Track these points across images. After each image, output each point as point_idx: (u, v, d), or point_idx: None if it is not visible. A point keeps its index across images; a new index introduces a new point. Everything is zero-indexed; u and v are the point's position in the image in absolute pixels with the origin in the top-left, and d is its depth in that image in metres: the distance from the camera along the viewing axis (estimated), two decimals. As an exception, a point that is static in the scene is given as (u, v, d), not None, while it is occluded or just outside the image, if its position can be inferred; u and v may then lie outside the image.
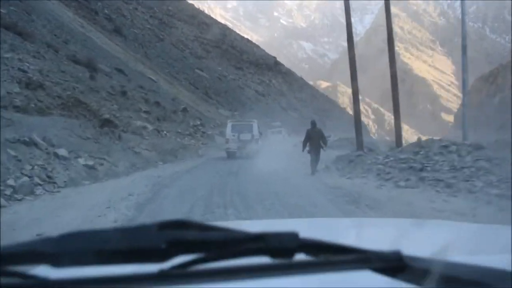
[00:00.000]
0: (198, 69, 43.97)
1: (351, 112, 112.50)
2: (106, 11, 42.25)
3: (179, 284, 0.62)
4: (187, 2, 75.27)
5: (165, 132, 20.92)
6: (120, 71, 23.82)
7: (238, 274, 0.62)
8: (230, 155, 18.64)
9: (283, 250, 0.64)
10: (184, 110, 25.83)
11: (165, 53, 41.86)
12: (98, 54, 24.04)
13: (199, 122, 25.77)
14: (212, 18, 74.63)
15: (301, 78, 71.21)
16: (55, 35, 22.94)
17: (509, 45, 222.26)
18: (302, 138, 14.99)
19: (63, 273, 0.60)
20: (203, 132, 25.39)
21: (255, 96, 48.00)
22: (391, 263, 0.62)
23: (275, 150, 19.86)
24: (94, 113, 15.39)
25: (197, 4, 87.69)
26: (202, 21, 65.70)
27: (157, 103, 23.86)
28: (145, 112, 21.44)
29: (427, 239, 1.30)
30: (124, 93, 21.90)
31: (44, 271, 0.62)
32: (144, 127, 19.05)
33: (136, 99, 22.47)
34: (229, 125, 19.70)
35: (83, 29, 27.59)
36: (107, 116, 15.98)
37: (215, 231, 0.67)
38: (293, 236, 0.64)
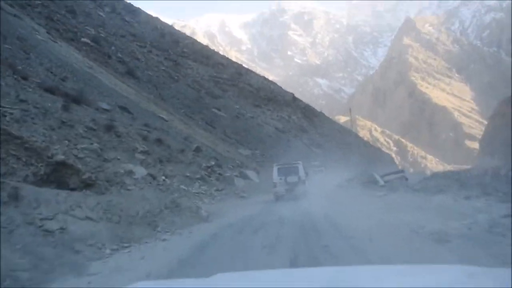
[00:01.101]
0: (215, 109, 42.60)
1: (372, 144, 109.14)
2: (119, 55, 41.71)
3: None
4: (202, 44, 75.55)
5: (164, 177, 17.39)
6: (124, 109, 21.78)
7: None
8: (279, 199, 19.14)
9: None
10: (197, 149, 23.04)
11: (180, 94, 40.75)
12: (101, 93, 22.47)
13: (213, 163, 22.86)
14: (227, 58, 74.42)
15: (321, 113, 69.54)
16: (51, 72, 21.20)
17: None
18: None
19: None
20: (220, 174, 22.35)
21: (275, 133, 46.19)
22: None
23: (324, 190, 21.04)
24: (39, 153, 10.83)
25: (211, 47, 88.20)
26: (217, 61, 65.30)
27: (159, 141, 20.30)
28: (142, 152, 18.01)
29: None
30: (109, 128, 17.47)
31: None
32: (130, 173, 15.10)
33: (131, 136, 18.68)
34: (275, 168, 20.08)
35: (91, 70, 26.48)
36: (61, 157, 11.12)
37: None
38: None
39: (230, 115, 43.24)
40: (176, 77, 46.46)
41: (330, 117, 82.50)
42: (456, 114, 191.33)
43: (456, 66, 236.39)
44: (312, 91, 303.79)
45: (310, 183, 21.25)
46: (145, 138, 19.79)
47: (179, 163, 20.11)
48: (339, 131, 64.16)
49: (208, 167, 21.99)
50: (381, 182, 21.19)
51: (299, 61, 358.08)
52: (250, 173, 25.59)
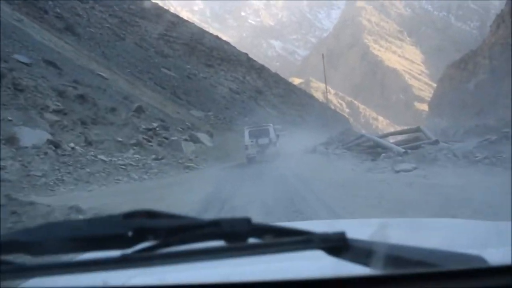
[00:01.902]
0: (165, 68, 40.11)
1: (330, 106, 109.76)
2: (57, 10, 37.97)
3: (140, 267, 0.68)
4: (151, 2, 71.09)
5: (73, 145, 13.52)
6: (50, 63, 18.78)
7: (194, 256, 0.67)
8: (251, 160, 19.40)
9: (237, 234, 0.69)
10: (139, 109, 19.98)
11: (126, 53, 37.89)
12: (26, 47, 19.58)
13: (156, 125, 19.50)
14: (178, 16, 70.51)
15: (276, 74, 67.98)
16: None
17: (474, 32, 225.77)
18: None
19: (40, 260, 0.66)
20: (165, 138, 19.42)
21: (229, 94, 44.47)
22: (334, 244, 0.66)
23: (295, 152, 20.59)
24: None
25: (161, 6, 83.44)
26: (168, 19, 61.66)
27: (82, 98, 16.53)
28: (56, 111, 14.69)
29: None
30: (5, 81, 13.78)
31: (23, 259, 0.67)
32: (12, 139, 11.44)
33: (41, 92, 15.31)
34: (246, 132, 20.36)
35: (19, 23, 23.42)
36: None
37: (176, 219, 0.73)
38: (246, 221, 0.70)
39: (181, 75, 40.95)
40: (122, 35, 43.25)
41: (285, 79, 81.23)
42: (406, 76, 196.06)
43: (408, 29, 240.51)
44: (266, 53, 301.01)
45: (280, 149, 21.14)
46: (61, 94, 16.18)
47: (109, 125, 16.86)
48: (294, 92, 63.18)
49: (149, 129, 18.66)
50: (398, 149, 14.01)
51: (253, 22, 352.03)
52: (202, 136, 23.18)
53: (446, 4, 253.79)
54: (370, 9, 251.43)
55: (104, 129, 16.16)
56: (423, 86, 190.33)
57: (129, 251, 0.67)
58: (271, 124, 21.49)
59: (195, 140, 21.87)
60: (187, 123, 24.39)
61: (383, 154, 13.79)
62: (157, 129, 19.19)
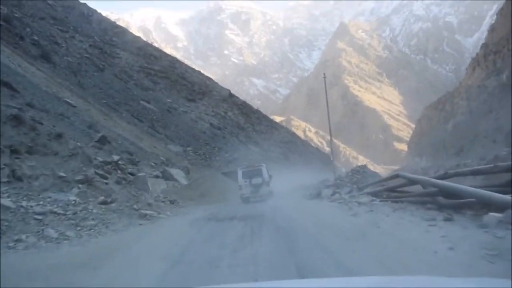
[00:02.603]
0: (144, 101, 38.79)
1: (312, 144, 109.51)
2: (35, 37, 36.72)
3: None
4: (133, 34, 70.67)
5: None
6: (6, 84, 16.38)
7: None
8: (245, 201, 19.45)
9: None
10: (102, 140, 17.47)
11: (104, 84, 36.56)
12: None
13: (116, 158, 16.30)
14: (160, 50, 70.01)
15: (258, 110, 67.30)
16: None
17: (450, 74, 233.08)
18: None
19: None
20: (130, 174, 16.76)
21: (210, 129, 43.17)
22: None
23: (291, 195, 19.92)
24: None
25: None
26: (150, 53, 61.00)
27: (18, 120, 12.98)
28: None
29: None
30: None
31: None
32: None
33: None
34: (239, 172, 20.51)
35: (-15, 46, 22.01)
36: None
37: None
38: None
39: (161, 109, 39.64)
40: (101, 66, 42.04)
41: (267, 116, 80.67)
42: (385, 116, 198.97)
43: (386, 71, 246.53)
44: (248, 91, 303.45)
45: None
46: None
47: (51, 156, 13.39)
48: (277, 129, 62.39)
49: (108, 163, 15.47)
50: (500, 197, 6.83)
51: (235, 60, 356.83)
52: (177, 173, 21.13)
53: (423, 47, 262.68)
54: (350, 51, 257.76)
55: (43, 159, 12.85)
56: (402, 127, 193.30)
57: None
58: (264, 164, 21.60)
59: (168, 177, 19.65)
60: (161, 158, 22.55)
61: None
62: (120, 162, 16.23)
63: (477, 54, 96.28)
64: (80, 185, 12.81)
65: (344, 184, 18.01)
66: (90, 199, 12.22)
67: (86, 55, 42.31)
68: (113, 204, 12.65)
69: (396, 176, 13.35)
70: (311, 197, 17.47)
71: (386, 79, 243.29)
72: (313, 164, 42.82)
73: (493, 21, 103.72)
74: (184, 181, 20.72)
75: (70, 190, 12.21)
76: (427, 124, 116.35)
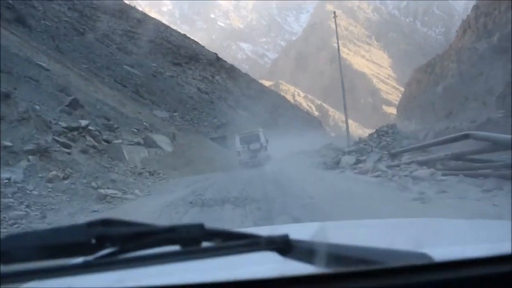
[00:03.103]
0: (128, 66, 37.31)
1: (302, 108, 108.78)
2: (9, 1, 34.63)
3: (101, 272, 0.73)
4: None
5: None
6: None
7: (151, 260, 0.73)
8: (243, 165, 19.29)
9: (191, 239, 0.75)
10: (74, 104, 15.64)
11: (85, 48, 34.94)
12: None
13: (84, 123, 14.05)
14: (144, 14, 67.39)
15: (247, 74, 65.81)
16: None
17: (440, 37, 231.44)
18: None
19: (10, 268, 0.70)
20: (105, 141, 14.84)
21: (197, 94, 41.98)
22: (278, 245, 0.72)
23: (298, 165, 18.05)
24: None
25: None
26: (133, 16, 58.57)
27: None
28: None
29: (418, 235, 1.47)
30: None
31: None
32: None
33: None
34: (237, 138, 20.62)
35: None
36: None
37: (135, 226, 0.78)
38: (199, 227, 0.76)
39: (146, 74, 38.23)
40: (81, 30, 40.14)
41: (256, 80, 79.23)
42: (374, 80, 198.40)
43: (375, 34, 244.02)
44: (236, 56, 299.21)
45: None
46: None
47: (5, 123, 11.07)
48: (266, 93, 61.25)
49: (74, 128, 13.32)
50: None
51: (222, 24, 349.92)
52: (160, 139, 19.72)
53: (413, 9, 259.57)
54: (339, 13, 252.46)
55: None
56: (391, 90, 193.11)
57: (91, 257, 0.73)
58: (261, 129, 21.76)
59: (151, 144, 18.08)
60: (145, 124, 21.33)
61: None
62: (92, 128, 14.30)
63: (467, 16, 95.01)
64: (31, 157, 10.34)
65: (369, 149, 14.04)
66: (39, 175, 9.80)
67: (65, 19, 40.32)
68: (65, 181, 10.07)
69: (465, 137, 8.96)
70: (326, 166, 14.32)
71: (375, 42, 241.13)
72: (304, 128, 42.26)
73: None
74: (168, 148, 19.34)
75: (17, 163, 9.86)
76: (417, 87, 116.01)
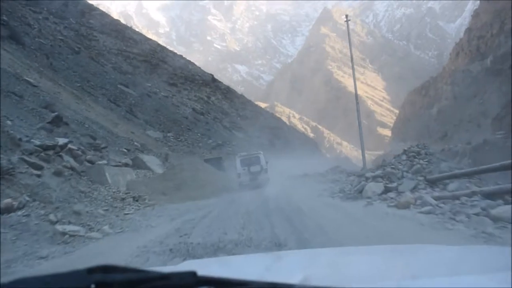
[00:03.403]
0: (122, 85, 36.91)
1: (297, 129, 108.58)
2: (4, 18, 34.39)
3: None
4: (112, 17, 67.90)
5: None
6: None
7: None
8: (243, 188, 19.27)
9: (184, 287, 0.77)
10: (56, 121, 14.74)
11: (79, 66, 34.56)
12: None
13: (62, 142, 12.75)
14: (141, 34, 67.52)
15: (242, 95, 65.64)
16: None
17: (433, 60, 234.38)
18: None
19: None
20: (88, 162, 13.64)
21: (192, 114, 41.52)
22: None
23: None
24: None
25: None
26: (130, 36, 58.60)
27: None
28: None
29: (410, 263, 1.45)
30: None
31: None
32: None
33: None
34: (237, 160, 20.87)
35: None
36: None
37: (133, 273, 0.80)
38: (192, 274, 0.78)
39: (140, 93, 37.82)
40: (76, 49, 39.87)
41: (252, 101, 79.05)
42: (369, 102, 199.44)
43: (370, 57, 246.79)
44: (231, 77, 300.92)
45: None
46: None
47: None
48: (262, 115, 60.97)
49: (50, 147, 11.92)
50: None
51: (218, 46, 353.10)
52: (151, 160, 18.52)
53: (406, 33, 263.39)
54: (333, 36, 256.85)
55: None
56: (385, 112, 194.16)
57: None
58: (261, 152, 22.08)
59: (140, 165, 16.94)
60: (136, 144, 20.62)
61: None
62: (73, 147, 13.09)
63: (460, 39, 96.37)
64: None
65: (399, 174, 11.41)
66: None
67: (60, 37, 40.08)
68: (18, 213, 8.01)
69: None
70: (346, 196, 11.73)
71: (370, 65, 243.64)
72: (301, 150, 41.83)
73: (476, 7, 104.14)
74: (159, 170, 18.15)
75: None
76: (411, 110, 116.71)
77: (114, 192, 12.79)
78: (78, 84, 29.93)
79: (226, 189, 18.15)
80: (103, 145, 16.16)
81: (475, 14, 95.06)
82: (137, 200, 12.81)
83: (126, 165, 15.73)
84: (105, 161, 14.43)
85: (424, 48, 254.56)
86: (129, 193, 13.30)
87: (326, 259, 1.68)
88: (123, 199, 12.45)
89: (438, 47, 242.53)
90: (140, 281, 0.75)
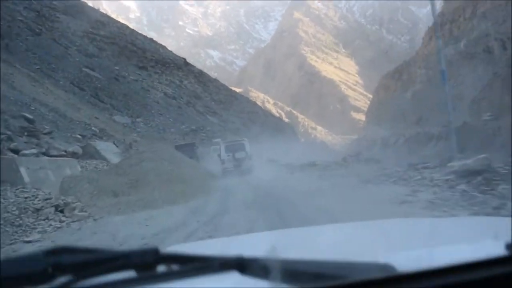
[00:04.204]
0: (88, 68, 34.66)
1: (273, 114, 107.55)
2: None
3: None
4: (79, 0, 64.40)
5: None
6: None
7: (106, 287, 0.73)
8: (227, 174, 19.07)
9: (146, 265, 0.75)
10: None
11: (40, 49, 32.18)
12: None
13: None
14: (109, 16, 64.36)
15: (216, 80, 63.69)
16: None
17: (405, 44, 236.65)
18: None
19: None
20: (12, 151, 11.02)
21: (164, 99, 39.61)
22: (232, 266, 0.72)
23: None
24: None
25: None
26: (97, 19, 55.62)
27: None
28: None
29: (410, 236, 1.42)
30: None
31: None
32: None
33: None
34: (222, 146, 20.84)
35: None
36: None
37: (92, 253, 0.78)
38: (154, 251, 0.75)
39: (107, 77, 35.69)
40: (37, 30, 37.26)
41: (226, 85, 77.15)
42: (342, 87, 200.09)
43: (343, 42, 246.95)
44: (204, 63, 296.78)
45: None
46: None
47: None
48: (237, 99, 59.24)
49: None
50: None
51: (190, 31, 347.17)
52: (105, 148, 15.38)
53: (378, 18, 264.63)
54: (306, 21, 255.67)
55: None
56: (359, 97, 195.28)
57: (47, 287, 0.71)
58: (246, 139, 22.03)
59: (92, 154, 13.73)
60: (94, 129, 18.60)
61: None
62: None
63: (434, 23, 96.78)
64: None
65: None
66: None
67: (20, 18, 37.34)
68: None
69: None
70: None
71: (343, 50, 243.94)
72: (279, 135, 40.41)
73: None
74: (114, 158, 14.64)
75: None
76: (385, 94, 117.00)
77: (27, 197, 8.94)
78: (37, 67, 27.70)
79: (201, 187, 13.37)
80: (45, 130, 13.65)
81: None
82: (61, 211, 8.77)
83: (73, 154, 12.96)
84: (33, 150, 11.51)
85: (396, 33, 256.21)
86: (50, 199, 9.17)
87: (301, 235, 1.63)
88: (37, 209, 8.41)
89: (410, 32, 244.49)
90: (99, 261, 0.73)
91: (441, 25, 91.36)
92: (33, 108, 15.69)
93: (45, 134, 13.36)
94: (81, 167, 12.62)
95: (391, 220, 2.01)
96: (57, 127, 15.02)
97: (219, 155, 20.80)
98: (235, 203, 10.36)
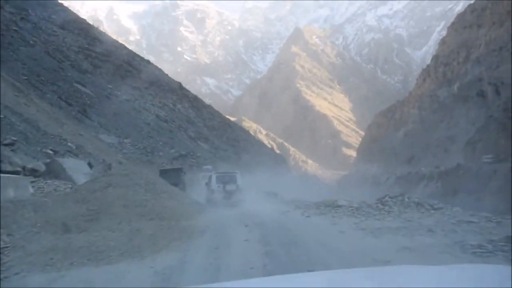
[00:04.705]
0: (79, 84, 33.76)
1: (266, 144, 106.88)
2: None
3: None
4: (78, 16, 64.15)
5: None
6: None
7: None
8: (215, 205, 17.64)
9: None
10: None
11: (31, 60, 31.31)
12: None
13: None
14: (106, 35, 64.03)
15: (210, 106, 63.07)
16: None
17: (398, 85, 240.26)
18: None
19: None
20: None
21: (155, 121, 38.65)
22: None
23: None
24: None
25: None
26: (94, 36, 55.17)
27: None
28: None
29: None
30: None
31: None
32: None
33: None
34: (213, 176, 20.08)
35: None
36: None
37: None
38: None
39: (98, 94, 34.79)
40: (32, 41, 36.53)
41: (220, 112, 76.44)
42: (335, 122, 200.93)
43: (338, 78, 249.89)
44: (200, 89, 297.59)
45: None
46: None
47: None
48: (230, 126, 58.44)
49: None
50: None
51: (188, 58, 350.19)
52: (74, 166, 13.35)
53: (374, 57, 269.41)
54: (304, 55, 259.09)
55: None
56: (351, 133, 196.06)
57: None
58: (238, 171, 21.61)
59: (57, 173, 11.58)
60: (70, 145, 17.15)
61: None
62: None
63: (428, 65, 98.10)
64: None
65: None
66: None
67: (14, 28, 36.62)
68: None
69: None
70: None
71: (338, 86, 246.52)
72: (271, 166, 39.41)
73: (442, 36, 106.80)
74: (84, 181, 12.25)
75: None
76: (377, 131, 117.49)
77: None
78: (25, 77, 26.72)
79: (183, 227, 9.94)
80: (6, 141, 11.89)
81: (442, 42, 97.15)
82: None
83: (33, 171, 10.96)
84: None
85: (391, 73, 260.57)
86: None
87: (336, 280, 1.61)
88: None
89: (404, 73, 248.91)
90: None
91: (435, 68, 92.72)
92: (1, 116, 14.30)
93: (5, 145, 11.61)
94: (38, 188, 10.45)
95: (397, 267, 1.95)
96: (26, 139, 13.65)
97: (207, 184, 20.05)
98: (232, 263, 6.58)
